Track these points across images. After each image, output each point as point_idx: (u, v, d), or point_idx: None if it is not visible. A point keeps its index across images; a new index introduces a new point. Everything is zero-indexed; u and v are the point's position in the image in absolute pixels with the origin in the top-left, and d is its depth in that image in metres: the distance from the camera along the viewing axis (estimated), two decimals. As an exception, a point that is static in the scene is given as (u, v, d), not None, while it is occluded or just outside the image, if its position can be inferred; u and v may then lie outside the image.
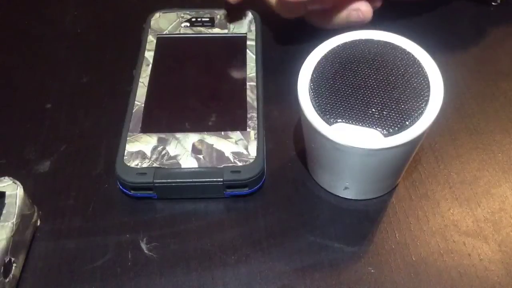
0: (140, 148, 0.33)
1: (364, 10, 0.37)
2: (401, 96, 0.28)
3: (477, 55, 0.41)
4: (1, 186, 0.30)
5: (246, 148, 0.33)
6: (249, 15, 0.41)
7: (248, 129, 0.34)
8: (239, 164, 0.33)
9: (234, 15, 0.41)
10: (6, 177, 0.31)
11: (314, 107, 0.29)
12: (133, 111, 0.35)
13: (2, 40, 0.43)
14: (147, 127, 0.35)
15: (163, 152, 0.33)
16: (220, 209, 0.33)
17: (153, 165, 0.33)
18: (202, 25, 0.41)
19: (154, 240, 0.32)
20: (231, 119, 0.35)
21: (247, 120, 0.35)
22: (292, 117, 0.37)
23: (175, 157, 0.33)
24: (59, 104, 0.39)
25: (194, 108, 0.36)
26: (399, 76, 0.29)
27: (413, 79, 0.29)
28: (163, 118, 0.35)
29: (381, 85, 0.29)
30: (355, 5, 0.38)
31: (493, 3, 0.43)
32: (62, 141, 0.36)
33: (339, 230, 0.32)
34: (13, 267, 0.29)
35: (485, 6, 0.44)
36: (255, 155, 0.33)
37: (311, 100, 0.29)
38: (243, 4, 0.39)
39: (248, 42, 0.39)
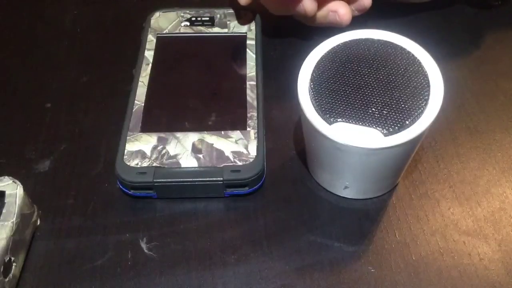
0: (140, 148, 0.33)
1: (341, 13, 0.37)
2: (401, 95, 0.28)
3: (477, 54, 0.41)
4: (1, 186, 0.30)
5: (246, 148, 0.33)
6: (249, 15, 0.41)
7: (248, 129, 0.34)
8: (239, 163, 0.33)
9: (234, 14, 0.41)
10: (6, 177, 0.31)
11: (314, 107, 0.29)
12: (133, 110, 0.35)
13: (2, 40, 0.43)
14: (147, 127, 0.35)
15: (163, 152, 0.33)
16: (220, 209, 0.33)
17: (153, 165, 0.33)
18: (202, 25, 0.41)
19: (154, 240, 0.32)
20: (231, 119, 0.35)
21: (247, 119, 0.35)
22: (292, 116, 0.37)
23: (175, 156, 0.33)
24: (59, 103, 0.39)
25: (194, 108, 0.36)
26: (399, 76, 0.29)
27: (413, 78, 0.29)
28: (163, 118, 0.35)
29: (381, 84, 0.29)
30: (334, 7, 0.37)
31: (494, 2, 0.43)
32: (62, 140, 0.36)
33: (339, 229, 0.32)
34: (13, 267, 0.29)
35: (485, 8, 0.44)
36: (255, 154, 0.33)
37: (311, 99, 0.29)
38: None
39: (248, 42, 0.39)
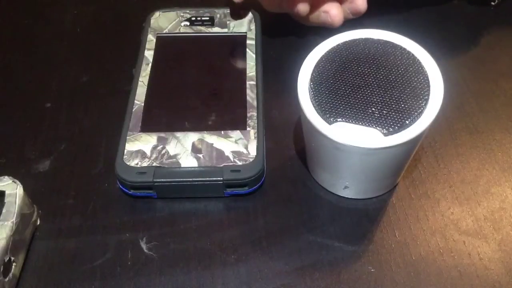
0: (140, 147, 0.33)
1: (332, 14, 0.38)
2: (401, 95, 0.28)
3: (477, 54, 0.41)
4: (1, 185, 0.30)
5: (246, 147, 0.33)
6: (249, 14, 0.41)
7: (248, 128, 0.34)
8: (239, 163, 0.33)
9: (234, 14, 0.41)
10: (6, 176, 0.31)
11: (314, 106, 0.29)
12: (133, 110, 0.35)
13: (2, 40, 0.43)
14: (147, 126, 0.35)
15: (163, 151, 0.33)
16: (220, 208, 0.33)
17: (153, 164, 0.33)
18: (202, 24, 0.41)
19: (153, 239, 0.32)
20: (231, 118, 0.35)
21: (247, 119, 0.35)
22: (292, 116, 0.37)
23: (175, 156, 0.33)
24: (59, 103, 0.39)
25: (194, 107, 0.36)
26: (399, 75, 0.29)
27: (413, 78, 0.29)
28: (163, 117, 0.35)
29: (381, 84, 0.29)
30: (326, 7, 0.38)
31: (492, 3, 0.43)
32: (62, 140, 0.36)
33: (339, 229, 0.32)
34: (13, 266, 0.29)
35: (485, 6, 0.44)
36: (255, 154, 0.33)
37: (311, 99, 0.29)
38: (245, 3, 0.39)
39: (248, 41, 0.39)
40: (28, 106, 0.39)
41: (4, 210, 0.29)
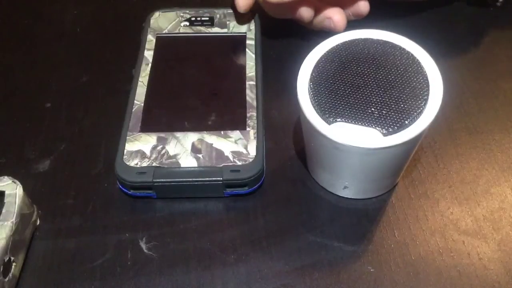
0: (139, 148, 0.33)
1: (336, 19, 0.38)
2: (401, 95, 0.28)
3: (477, 54, 0.41)
4: (0, 185, 0.30)
5: (246, 147, 0.33)
6: (249, 15, 0.41)
7: (247, 128, 0.34)
8: (239, 163, 0.33)
9: (234, 15, 0.41)
10: (6, 177, 0.31)
11: (314, 106, 0.29)
12: (133, 110, 0.35)
13: (2, 39, 0.43)
14: (147, 127, 0.35)
15: (163, 152, 0.33)
16: (220, 209, 0.33)
17: (153, 165, 0.33)
18: (202, 24, 0.41)
19: (153, 239, 0.32)
20: (230, 118, 0.35)
21: (247, 119, 0.35)
22: (292, 116, 0.37)
23: (174, 156, 0.33)
24: (59, 103, 0.39)
25: (194, 107, 0.36)
26: (398, 75, 0.29)
27: (412, 78, 0.29)
28: (162, 117, 0.35)
29: (380, 84, 0.29)
30: (330, 13, 0.38)
31: (497, 3, 0.43)
32: (62, 140, 0.37)
33: (339, 229, 0.32)
34: (13, 266, 0.29)
35: (484, 6, 0.44)
36: (255, 154, 0.33)
37: (310, 99, 0.29)
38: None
39: (248, 42, 0.39)
40: (28, 106, 0.39)
41: (4, 210, 0.29)
